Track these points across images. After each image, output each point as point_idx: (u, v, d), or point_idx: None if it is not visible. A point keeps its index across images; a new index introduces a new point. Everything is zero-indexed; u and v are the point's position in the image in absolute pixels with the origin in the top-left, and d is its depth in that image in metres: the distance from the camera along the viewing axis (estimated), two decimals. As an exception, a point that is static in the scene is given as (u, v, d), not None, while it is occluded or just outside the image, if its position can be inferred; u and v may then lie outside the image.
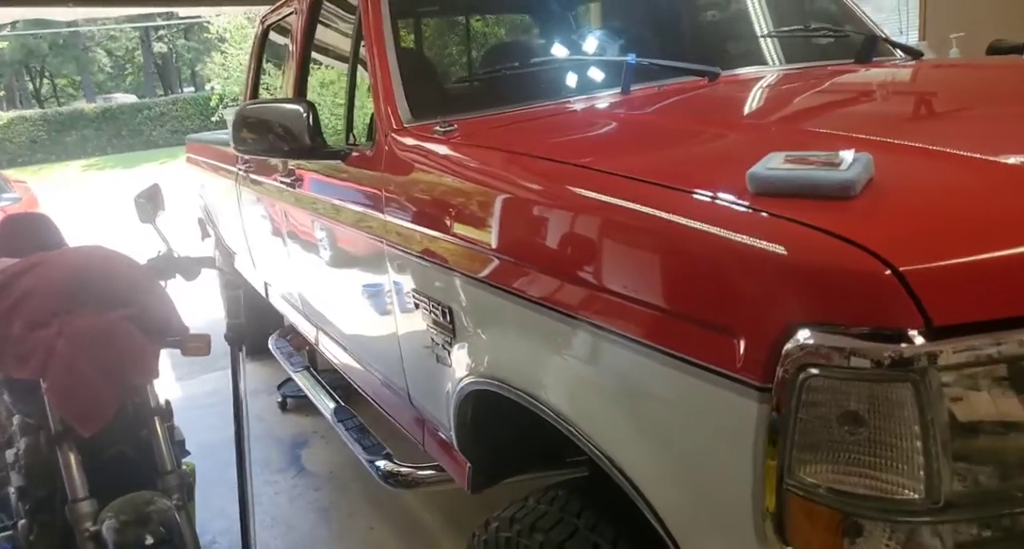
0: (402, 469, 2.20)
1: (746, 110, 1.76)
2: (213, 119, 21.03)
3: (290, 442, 3.49)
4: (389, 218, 1.86)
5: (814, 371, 0.84)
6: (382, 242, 1.89)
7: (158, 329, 1.94)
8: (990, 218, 0.89)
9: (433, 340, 1.73)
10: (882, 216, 0.91)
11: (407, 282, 1.82)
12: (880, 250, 0.82)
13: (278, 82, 3.33)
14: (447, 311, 1.64)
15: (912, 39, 5.94)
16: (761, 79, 2.10)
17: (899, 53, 2.52)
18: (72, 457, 1.84)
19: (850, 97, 1.68)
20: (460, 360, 1.61)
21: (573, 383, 1.26)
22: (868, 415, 0.82)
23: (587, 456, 1.25)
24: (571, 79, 2.11)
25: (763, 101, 1.84)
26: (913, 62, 2.37)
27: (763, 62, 2.32)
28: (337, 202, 2.20)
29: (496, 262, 1.43)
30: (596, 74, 2.13)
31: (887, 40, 2.48)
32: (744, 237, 0.94)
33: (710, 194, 1.06)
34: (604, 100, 1.99)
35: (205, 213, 4.45)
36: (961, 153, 1.05)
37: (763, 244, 0.91)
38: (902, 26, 6.41)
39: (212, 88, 22.88)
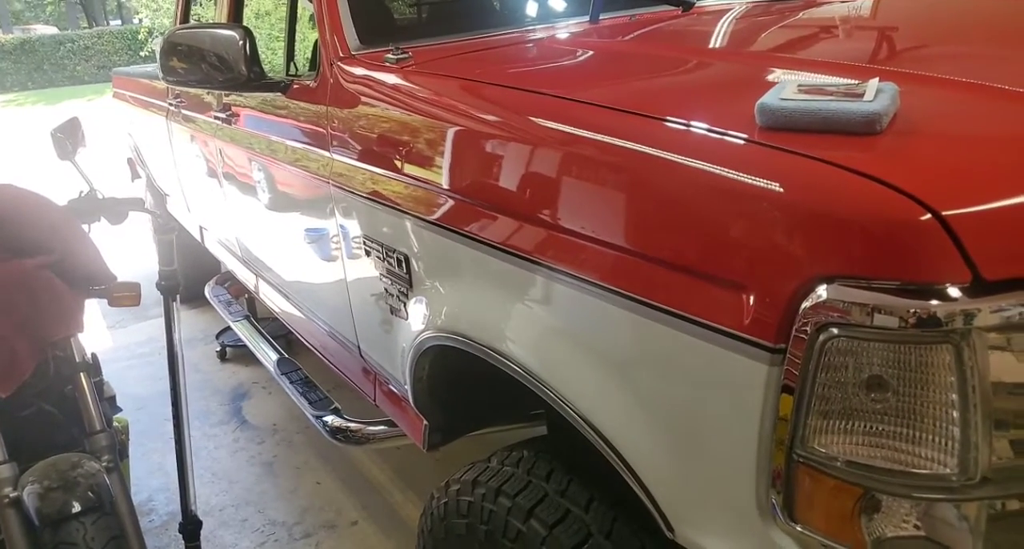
0: (351, 425, 2.08)
1: (736, 39, 1.63)
2: (142, 54, 20.04)
3: (230, 394, 3.34)
4: (335, 156, 1.70)
5: (836, 331, 0.74)
6: (327, 182, 1.74)
7: (82, 277, 1.77)
8: None
9: (387, 290, 1.60)
10: (916, 153, 0.80)
11: (355, 227, 1.67)
12: (917, 192, 0.71)
13: (210, 12, 3.08)
14: (403, 259, 1.50)
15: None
16: (740, 9, 1.95)
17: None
18: (-14, 417, 1.68)
19: (846, 27, 1.56)
20: (418, 312, 1.48)
21: (547, 340, 1.14)
22: (898, 381, 0.73)
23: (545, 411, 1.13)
24: (537, 5, 1.95)
25: (752, 31, 1.71)
26: None
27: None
28: (276, 139, 2.03)
29: (465, 206, 1.29)
30: (563, 1, 1.98)
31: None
32: (755, 177, 0.82)
33: (711, 127, 0.93)
34: (574, 28, 1.84)
35: (135, 152, 4.17)
36: (991, 84, 0.94)
37: (777, 185, 0.80)
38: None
39: (140, 21, 21.74)
